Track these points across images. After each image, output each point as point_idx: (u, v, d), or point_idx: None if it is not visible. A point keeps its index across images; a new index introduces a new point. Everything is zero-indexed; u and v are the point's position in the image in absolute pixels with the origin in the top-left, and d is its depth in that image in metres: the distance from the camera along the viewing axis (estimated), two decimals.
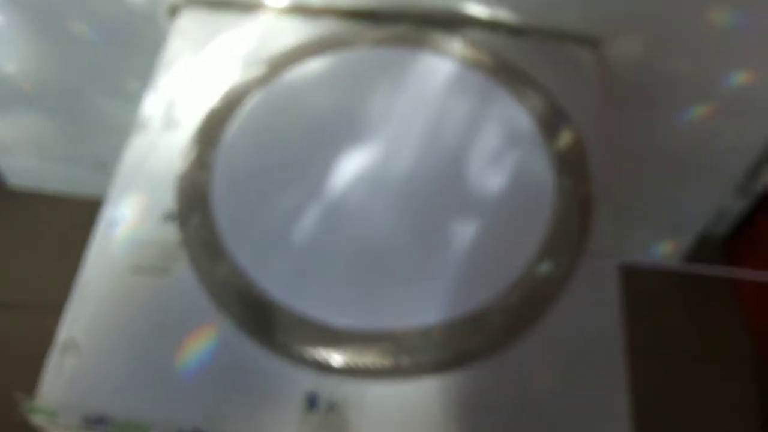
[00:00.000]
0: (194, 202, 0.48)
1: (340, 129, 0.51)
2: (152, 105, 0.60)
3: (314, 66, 0.54)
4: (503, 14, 0.63)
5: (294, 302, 0.44)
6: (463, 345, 0.42)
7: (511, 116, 0.51)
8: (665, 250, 0.96)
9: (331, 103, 0.53)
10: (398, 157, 0.50)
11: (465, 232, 0.46)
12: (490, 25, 0.63)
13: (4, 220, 1.12)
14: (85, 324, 0.48)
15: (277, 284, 0.44)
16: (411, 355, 0.42)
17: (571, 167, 0.49)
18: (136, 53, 0.75)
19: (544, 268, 0.45)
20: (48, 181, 1.11)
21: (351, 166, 0.49)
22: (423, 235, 0.46)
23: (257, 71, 0.54)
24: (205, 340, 0.47)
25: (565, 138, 0.50)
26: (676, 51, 0.66)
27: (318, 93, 0.53)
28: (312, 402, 0.46)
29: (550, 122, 0.51)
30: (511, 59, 0.61)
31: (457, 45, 0.55)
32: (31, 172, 1.12)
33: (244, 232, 0.46)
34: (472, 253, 0.45)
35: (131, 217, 0.53)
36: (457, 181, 0.48)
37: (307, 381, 0.46)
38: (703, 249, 0.95)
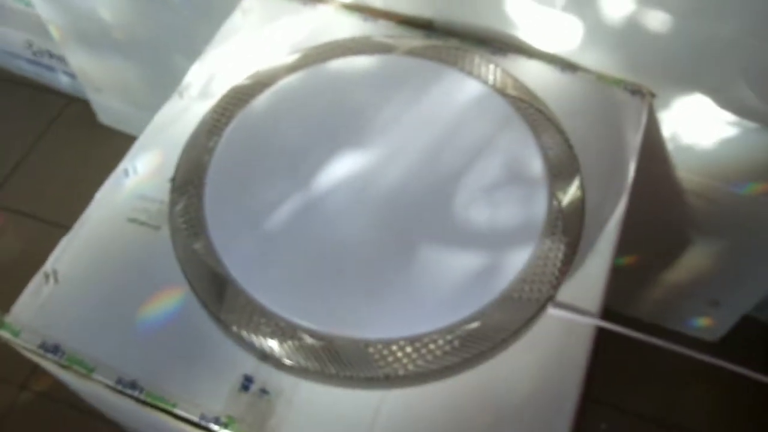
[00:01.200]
0: (192, 174, 0.49)
1: (345, 131, 0.51)
2: (195, 73, 0.63)
3: (342, 64, 0.55)
4: (559, 50, 0.62)
5: (250, 288, 0.44)
6: (398, 367, 0.41)
7: (521, 151, 0.50)
8: (704, 324, 0.91)
9: (345, 104, 0.53)
10: (394, 169, 0.49)
11: (439, 255, 0.45)
12: (544, 57, 0.62)
13: (93, 152, 1.21)
14: (70, 258, 0.52)
15: (240, 268, 0.45)
16: (344, 365, 0.42)
17: (566, 220, 0.47)
18: (209, 22, 0.79)
19: (505, 309, 0.43)
20: (131, 126, 1.18)
21: (346, 170, 0.49)
22: (397, 250, 0.46)
23: (290, 59, 0.56)
24: (168, 301, 0.49)
25: (568, 189, 0.48)
26: None
27: (335, 92, 0.54)
28: (246, 384, 0.46)
29: (562, 169, 0.49)
30: (552, 92, 0.59)
31: (492, 68, 0.54)
32: (117, 113, 1.20)
33: (226, 214, 0.48)
34: (440, 278, 0.44)
35: (143, 172, 0.56)
36: (448, 202, 0.47)
37: (248, 364, 0.47)
38: (745, 331, 0.89)
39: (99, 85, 1.15)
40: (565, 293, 0.49)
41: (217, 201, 0.48)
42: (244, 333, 0.43)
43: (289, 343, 0.42)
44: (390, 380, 0.42)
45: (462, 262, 0.45)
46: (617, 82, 0.60)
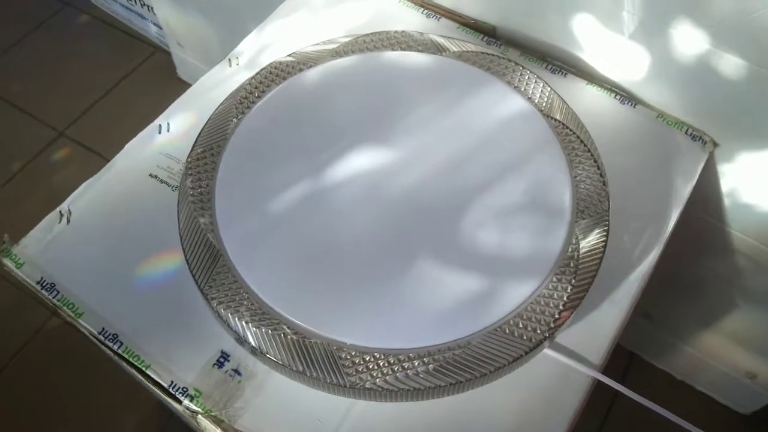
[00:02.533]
0: (212, 144, 0.49)
1: (373, 126, 0.50)
2: (249, 42, 0.63)
3: (386, 57, 0.53)
4: (621, 80, 0.58)
5: (240, 267, 0.44)
6: (367, 378, 0.40)
7: (550, 180, 0.47)
8: (737, 395, 0.84)
9: (379, 98, 0.51)
10: (413, 173, 0.47)
11: (437, 271, 0.43)
12: (605, 85, 0.58)
13: (166, 104, 1.24)
14: (86, 202, 0.52)
15: (235, 248, 0.44)
16: (313, 365, 0.40)
17: (580, 261, 0.43)
18: None
19: (494, 342, 0.41)
20: None
21: (364, 166, 0.48)
22: (396, 257, 0.44)
23: (338, 43, 0.54)
24: (168, 263, 0.49)
25: (591, 229, 0.45)
26: None
27: (372, 84, 0.52)
28: (221, 361, 0.46)
29: (589, 207, 0.46)
30: (605, 122, 0.55)
31: (541, 86, 0.51)
32: (194, 70, 1.22)
33: (236, 191, 0.47)
34: (432, 296, 0.42)
35: (175, 130, 0.56)
36: (461, 217, 0.45)
37: (228, 342, 0.46)
38: None
39: (181, 39, 1.18)
40: (568, 337, 0.46)
41: (229, 176, 0.48)
42: (222, 311, 0.42)
43: (264, 330, 0.41)
44: (356, 390, 0.40)
45: (458, 284, 0.43)
46: (678, 125, 0.56)
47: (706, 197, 0.60)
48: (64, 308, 0.48)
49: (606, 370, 0.47)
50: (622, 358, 0.93)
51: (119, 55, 1.39)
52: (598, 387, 0.46)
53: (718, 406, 0.88)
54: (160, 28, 1.23)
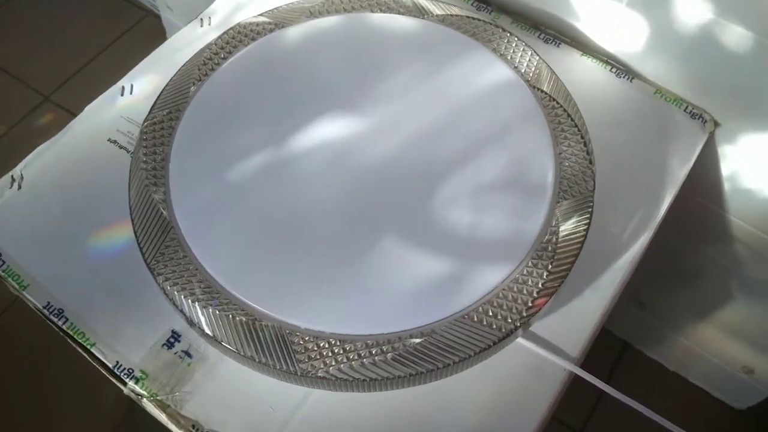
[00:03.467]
0: (170, 110, 0.45)
1: (344, 93, 0.46)
2: (223, 2, 0.59)
3: (362, 19, 0.49)
4: (618, 51, 0.53)
5: (192, 243, 0.40)
6: (319, 366, 0.36)
7: (532, 156, 0.43)
8: (732, 389, 0.81)
9: (352, 63, 0.47)
10: (384, 144, 0.43)
11: (403, 252, 0.40)
12: (600, 56, 0.54)
13: None
14: (39, 167, 0.49)
15: (187, 221, 0.41)
16: (263, 350, 0.37)
17: (559, 245, 0.40)
18: None
19: (460, 330, 0.37)
20: None
21: (331, 135, 0.44)
22: (359, 234, 0.40)
23: (314, 3, 0.50)
24: (119, 236, 0.46)
25: (572, 211, 0.41)
26: None
27: (345, 48, 0.48)
28: (171, 342, 0.43)
29: (572, 187, 0.42)
30: (598, 96, 0.52)
31: (529, 55, 0.47)
32: None
33: (191, 161, 0.43)
34: (394, 279, 0.39)
35: (137, 93, 0.53)
36: (432, 192, 0.41)
37: (180, 322, 0.43)
38: None
39: (170, 2, 1.14)
40: (545, 326, 0.43)
41: (186, 145, 0.44)
42: (168, 287, 0.39)
43: (212, 310, 0.38)
44: (308, 379, 0.37)
45: (424, 267, 0.39)
46: (677, 101, 0.52)
47: (704, 180, 0.56)
48: (9, 279, 0.45)
49: (596, 359, 0.44)
50: (613, 348, 0.90)
51: (111, 20, 1.35)
52: (583, 379, 0.43)
53: (711, 399, 0.84)
54: None
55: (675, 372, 0.86)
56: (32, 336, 0.98)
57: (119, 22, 1.33)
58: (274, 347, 0.37)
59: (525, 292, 0.39)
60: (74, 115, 0.52)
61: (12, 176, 0.49)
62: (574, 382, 0.43)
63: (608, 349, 0.90)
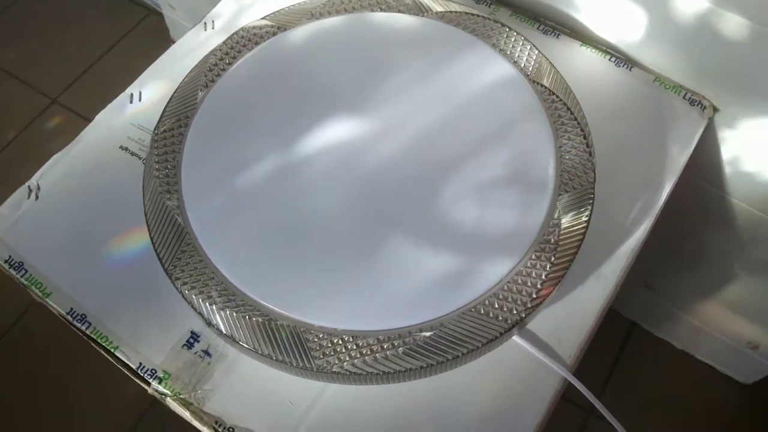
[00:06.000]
0: (179, 117, 0.47)
1: (346, 94, 0.47)
2: (225, 4, 0.60)
3: (362, 19, 0.50)
4: (617, 41, 0.54)
5: (207, 248, 0.42)
6: (334, 361, 0.38)
7: (533, 151, 0.44)
8: (738, 364, 0.82)
9: (352, 64, 0.48)
10: (387, 144, 0.45)
11: (409, 249, 0.41)
12: (599, 46, 0.54)
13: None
14: (55, 176, 0.51)
15: (201, 226, 0.42)
16: (279, 347, 0.39)
17: (561, 237, 0.41)
18: None
19: (467, 324, 0.39)
20: None
21: (336, 137, 0.45)
22: (367, 233, 0.41)
23: (314, 5, 0.51)
24: (137, 241, 0.48)
25: (574, 204, 0.42)
26: None
27: (346, 49, 0.49)
28: (191, 342, 0.45)
29: (573, 179, 0.43)
30: (598, 87, 0.52)
31: (529, 50, 0.48)
32: (186, 32, 1.19)
33: (202, 167, 0.44)
34: (403, 275, 0.40)
35: (146, 100, 0.54)
36: (436, 191, 0.42)
37: (198, 322, 0.45)
38: None
39: (172, 1, 1.14)
40: (551, 315, 0.44)
41: (197, 151, 0.45)
42: (187, 291, 0.40)
43: (230, 312, 0.40)
44: (323, 374, 0.38)
45: (431, 263, 0.41)
46: (676, 89, 0.52)
47: (706, 165, 0.57)
48: (32, 287, 0.46)
49: (605, 340, 0.44)
50: (622, 328, 0.91)
51: (115, 19, 1.35)
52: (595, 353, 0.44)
53: (719, 375, 0.86)
54: None
55: (683, 350, 0.87)
56: (52, 336, 1.00)
57: (122, 22, 1.34)
58: (290, 345, 0.39)
59: (529, 283, 0.40)
60: (82, 116, 0.53)
61: (29, 187, 0.50)
62: (579, 369, 0.45)
63: (617, 329, 0.91)
